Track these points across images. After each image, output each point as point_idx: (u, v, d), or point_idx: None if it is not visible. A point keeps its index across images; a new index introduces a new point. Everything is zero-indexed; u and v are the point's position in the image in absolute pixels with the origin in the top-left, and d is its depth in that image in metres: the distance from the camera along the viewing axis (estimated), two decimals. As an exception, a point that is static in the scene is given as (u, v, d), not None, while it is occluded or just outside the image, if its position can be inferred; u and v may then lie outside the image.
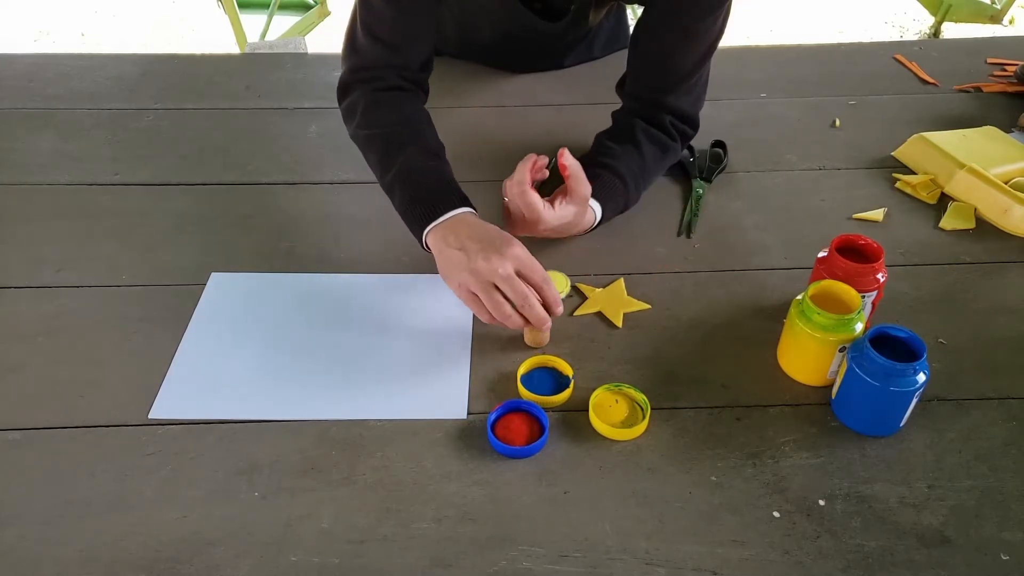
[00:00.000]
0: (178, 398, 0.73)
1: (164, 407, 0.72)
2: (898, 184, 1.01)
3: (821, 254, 0.77)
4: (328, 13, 2.98)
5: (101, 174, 1.03)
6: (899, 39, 3.27)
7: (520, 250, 0.74)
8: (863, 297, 0.72)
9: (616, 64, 1.00)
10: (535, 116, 1.15)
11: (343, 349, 0.78)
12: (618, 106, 0.97)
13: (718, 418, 0.72)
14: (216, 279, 0.86)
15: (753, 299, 0.84)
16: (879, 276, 0.75)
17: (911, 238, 0.93)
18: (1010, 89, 1.21)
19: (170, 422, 0.71)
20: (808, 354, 0.72)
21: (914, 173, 1.03)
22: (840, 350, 0.70)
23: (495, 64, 1.25)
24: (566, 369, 0.75)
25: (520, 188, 0.79)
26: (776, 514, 0.64)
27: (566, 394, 0.73)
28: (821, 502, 0.65)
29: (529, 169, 0.80)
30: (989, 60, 1.29)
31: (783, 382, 0.75)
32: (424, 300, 0.84)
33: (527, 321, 0.74)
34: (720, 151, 1.05)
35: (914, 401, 0.67)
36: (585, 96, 1.18)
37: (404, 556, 0.61)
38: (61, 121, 1.14)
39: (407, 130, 0.87)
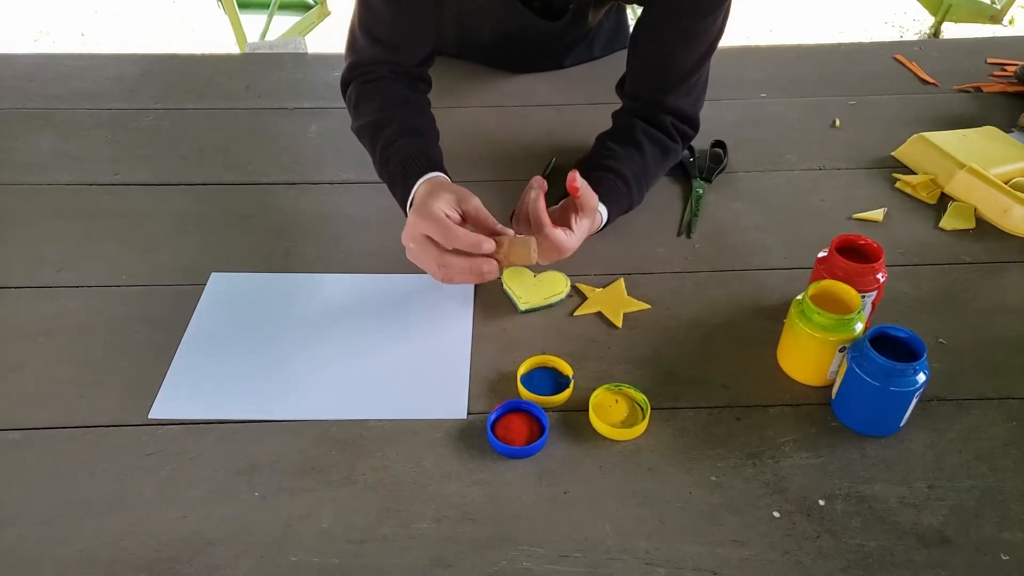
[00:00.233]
0: (178, 398, 0.73)
1: (164, 407, 0.72)
2: (898, 184, 1.01)
3: (821, 254, 0.77)
4: (328, 13, 2.98)
5: (101, 174, 1.03)
6: (899, 39, 3.27)
7: (429, 216, 0.74)
8: (863, 297, 0.72)
9: (616, 64, 1.00)
10: (535, 116, 1.15)
11: (343, 349, 0.78)
12: (618, 106, 0.97)
13: (718, 418, 0.72)
14: (216, 279, 0.86)
15: (753, 299, 0.84)
16: (879, 276, 0.75)
17: (911, 238, 0.93)
18: (1010, 89, 1.21)
19: (170, 422, 0.71)
20: (808, 354, 0.72)
21: (914, 173, 1.03)
22: (840, 350, 0.70)
23: (495, 64, 1.25)
24: (566, 369, 0.75)
25: (543, 231, 0.77)
26: (776, 514, 0.64)
27: (566, 394, 0.73)
28: (821, 502, 0.65)
29: (542, 207, 0.77)
30: (989, 60, 1.29)
31: (783, 382, 0.75)
32: (424, 300, 0.84)
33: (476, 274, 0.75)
34: (720, 151, 1.05)
35: (914, 401, 0.67)
36: (585, 96, 1.18)
37: (404, 556, 0.61)
38: (61, 121, 1.14)
39: (385, 115, 0.89)
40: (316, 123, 1.13)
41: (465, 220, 0.78)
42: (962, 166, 0.98)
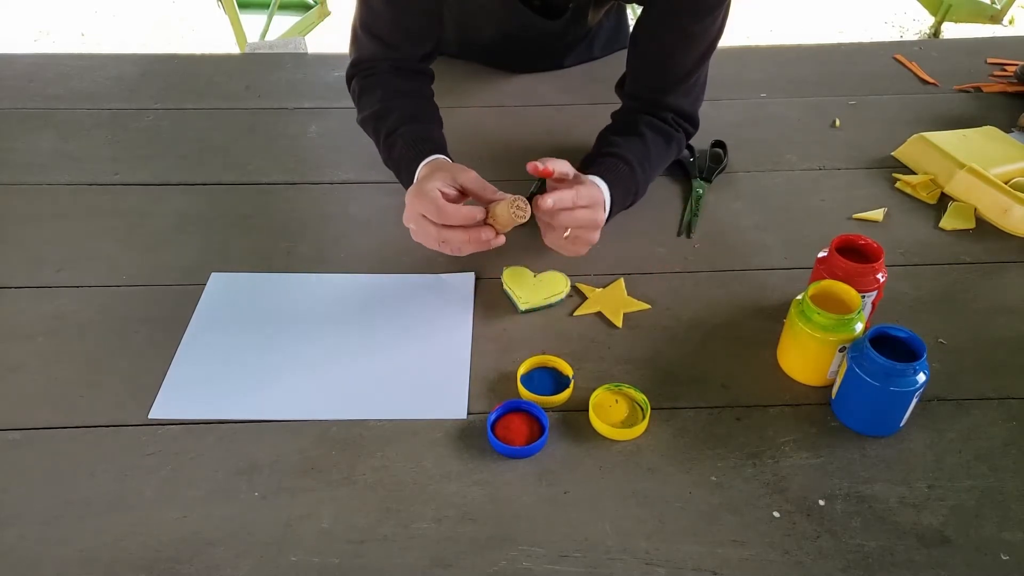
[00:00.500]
0: (178, 398, 0.73)
1: (164, 407, 0.72)
2: (898, 184, 1.01)
3: (821, 254, 0.77)
4: (328, 13, 2.98)
5: (101, 174, 1.03)
6: (899, 39, 3.27)
7: (422, 196, 0.75)
8: (863, 297, 0.72)
9: (616, 64, 1.00)
10: (535, 116, 1.15)
11: (343, 349, 0.78)
12: (618, 106, 0.97)
13: (718, 418, 0.72)
14: (216, 279, 0.86)
15: (753, 299, 0.84)
16: (879, 276, 0.75)
17: (911, 238, 0.93)
18: (1010, 89, 1.21)
19: (170, 422, 0.71)
20: (808, 354, 0.72)
21: (914, 173, 1.03)
22: (840, 350, 0.70)
23: (495, 64, 1.25)
24: (566, 369, 0.75)
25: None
26: (776, 514, 0.64)
27: (566, 394, 0.73)
28: (821, 502, 0.65)
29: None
30: (989, 60, 1.29)
31: (783, 382, 0.75)
32: (424, 300, 0.84)
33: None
34: (720, 151, 1.05)
35: (914, 401, 0.67)
36: (585, 96, 1.18)
37: (404, 556, 0.61)
38: (61, 121, 1.14)
39: (387, 105, 0.90)
40: (316, 123, 1.13)
41: (465, 195, 0.78)
42: (962, 166, 0.98)
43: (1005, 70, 1.25)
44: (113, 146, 1.08)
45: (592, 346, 0.79)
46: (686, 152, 1.02)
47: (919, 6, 3.17)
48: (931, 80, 1.23)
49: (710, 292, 0.85)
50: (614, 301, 0.83)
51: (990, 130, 1.07)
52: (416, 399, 0.73)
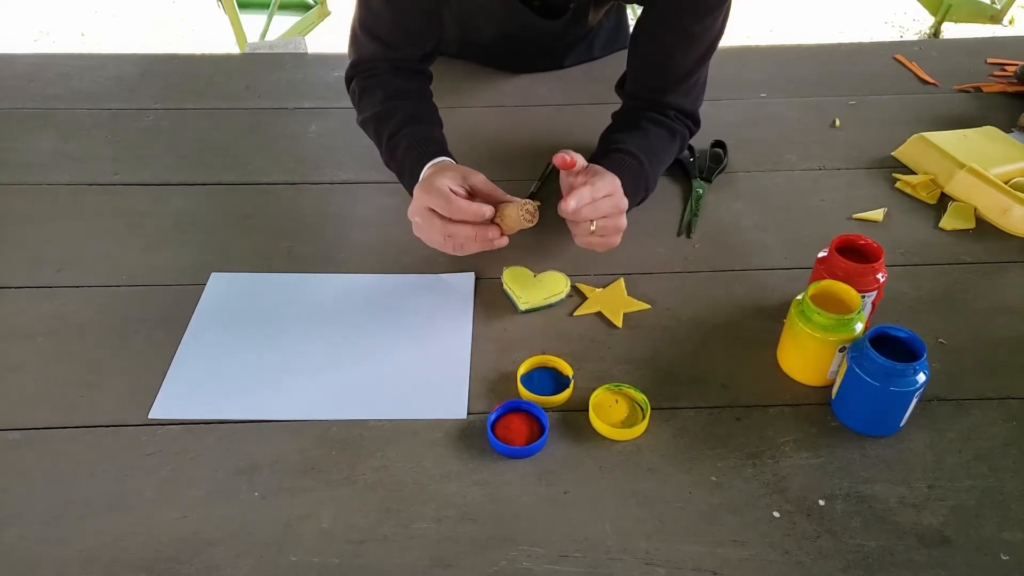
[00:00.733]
0: (178, 398, 0.73)
1: (164, 407, 0.72)
2: (898, 184, 1.01)
3: (821, 254, 0.77)
4: (328, 13, 2.98)
5: (101, 174, 1.03)
6: (899, 39, 3.27)
7: (432, 190, 0.75)
8: (863, 297, 0.72)
9: (616, 64, 1.00)
10: (535, 116, 1.15)
11: (343, 349, 0.78)
12: (618, 106, 0.97)
13: (718, 418, 0.72)
14: (216, 279, 0.86)
15: (753, 299, 0.84)
16: (879, 276, 0.75)
17: (911, 238, 0.93)
18: (1010, 89, 1.21)
19: (170, 422, 0.71)
20: (808, 354, 0.72)
21: (914, 173, 1.03)
22: (840, 350, 0.70)
23: (495, 64, 1.25)
24: (566, 369, 0.75)
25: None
26: (776, 514, 0.64)
27: (566, 394, 0.73)
28: (821, 502, 0.65)
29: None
30: (989, 60, 1.29)
31: (783, 382, 0.75)
32: (424, 300, 0.84)
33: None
34: (720, 151, 1.05)
35: (914, 401, 0.67)
36: (585, 96, 1.18)
37: (404, 556, 0.61)
38: (61, 121, 1.14)
39: (389, 106, 0.90)
40: (316, 123, 1.13)
41: (473, 196, 0.79)
42: (962, 166, 0.98)
43: (1005, 70, 1.25)
44: (113, 146, 1.08)
45: (592, 346, 0.79)
46: (686, 152, 1.02)
47: (919, 6, 3.17)
48: (931, 80, 1.23)
49: (710, 292, 0.85)
50: (614, 301, 0.83)
51: (990, 130, 1.07)
52: (416, 399, 0.73)
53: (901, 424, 0.69)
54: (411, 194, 0.83)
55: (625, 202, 0.79)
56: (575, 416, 0.72)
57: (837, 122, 1.14)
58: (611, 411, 0.72)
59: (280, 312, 0.82)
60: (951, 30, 3.18)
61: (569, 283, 0.85)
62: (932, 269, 0.88)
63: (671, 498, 0.65)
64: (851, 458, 0.68)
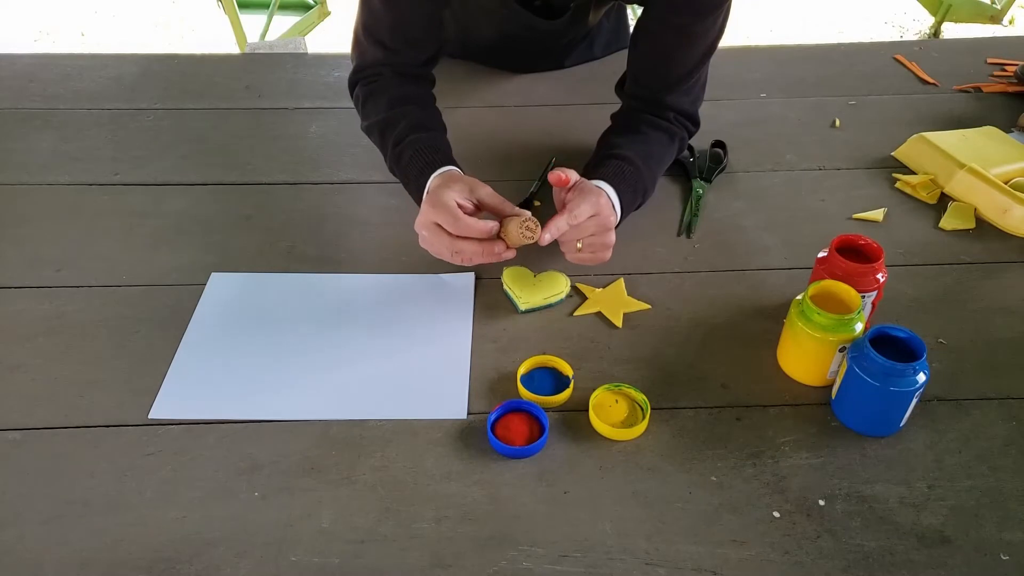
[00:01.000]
0: (178, 398, 0.73)
1: (164, 407, 0.72)
2: (898, 184, 1.01)
3: (821, 254, 0.77)
4: (328, 13, 2.98)
5: (101, 174, 1.03)
6: (899, 39, 3.27)
7: (439, 205, 0.76)
8: (863, 297, 0.72)
9: (616, 64, 1.00)
10: (535, 116, 1.15)
11: (343, 349, 0.78)
12: (618, 107, 0.97)
13: (718, 418, 0.72)
14: (216, 279, 0.86)
15: (753, 299, 0.84)
16: (879, 276, 0.75)
17: (911, 238, 0.93)
18: (1010, 89, 1.21)
19: (170, 422, 0.71)
20: (808, 354, 0.72)
21: (914, 173, 1.03)
22: (840, 350, 0.70)
23: (495, 64, 1.25)
24: (566, 369, 0.75)
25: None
26: (776, 514, 0.64)
27: (566, 394, 0.73)
28: (821, 502, 0.65)
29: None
30: (989, 60, 1.29)
31: (783, 382, 0.75)
32: (424, 300, 0.84)
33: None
34: (720, 151, 1.05)
35: (914, 401, 0.67)
36: (585, 96, 1.18)
37: (404, 556, 0.61)
38: (61, 121, 1.14)
39: (394, 113, 0.90)
40: (316, 123, 1.13)
41: (480, 208, 0.79)
42: (962, 166, 0.98)
43: (1005, 70, 1.25)
44: (113, 146, 1.08)
45: (592, 346, 0.79)
46: (686, 152, 1.02)
47: (919, 6, 3.17)
48: (931, 80, 1.23)
49: (710, 292, 0.85)
50: (614, 301, 0.83)
51: (990, 130, 1.07)
52: (416, 399, 0.73)
53: (901, 424, 0.69)
54: (416, 202, 0.84)
55: (612, 220, 0.80)
56: (575, 416, 0.72)
57: (837, 122, 1.14)
58: (611, 411, 0.72)
59: (280, 312, 0.82)
60: (951, 30, 3.18)
61: (569, 283, 0.85)
62: (932, 269, 0.88)
63: (671, 498, 0.65)
64: (851, 458, 0.68)
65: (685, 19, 0.86)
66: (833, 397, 0.72)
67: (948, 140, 1.03)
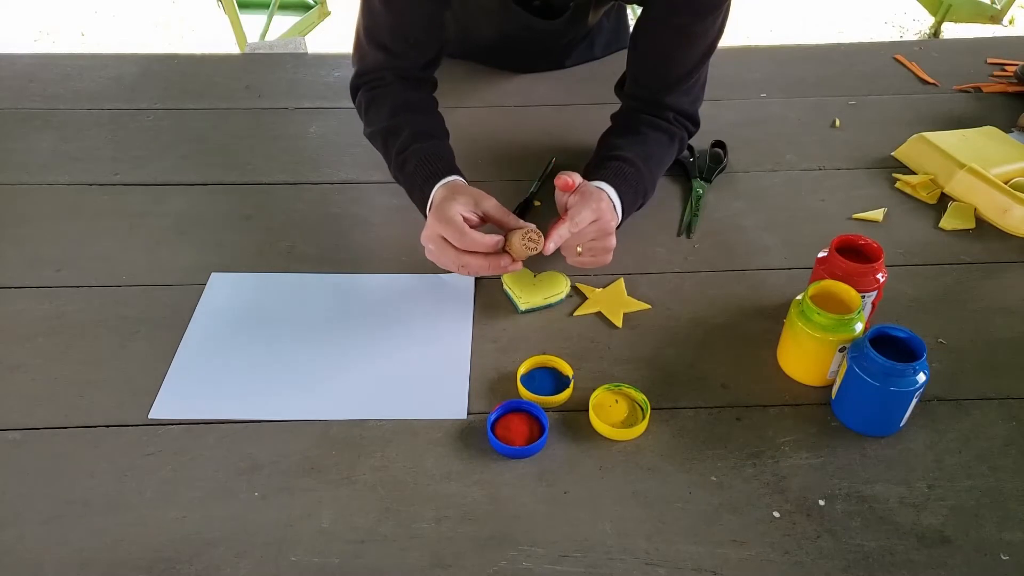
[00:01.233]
0: (178, 398, 0.73)
1: (164, 407, 0.72)
2: (898, 184, 1.01)
3: (821, 254, 0.77)
4: (328, 13, 2.98)
5: (101, 174, 1.03)
6: (899, 39, 3.27)
7: (445, 220, 0.76)
8: (863, 297, 0.72)
9: (616, 64, 1.00)
10: (535, 116, 1.15)
11: (343, 349, 0.78)
12: (617, 107, 0.97)
13: (718, 418, 0.72)
14: (216, 279, 0.86)
15: (753, 299, 0.84)
16: (879, 276, 0.75)
17: (911, 238, 0.93)
18: (1010, 89, 1.21)
19: (170, 422, 0.71)
20: (808, 354, 0.72)
21: (914, 173, 1.03)
22: (840, 350, 0.70)
23: (496, 64, 1.25)
24: (566, 369, 0.75)
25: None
26: (776, 514, 0.64)
27: (566, 394, 0.73)
28: (821, 502, 0.65)
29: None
30: (989, 60, 1.29)
31: (783, 382, 0.75)
32: (424, 300, 0.84)
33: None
34: (720, 151, 1.05)
35: (914, 401, 0.67)
36: (585, 96, 1.18)
37: (404, 556, 0.61)
38: (61, 121, 1.14)
39: (397, 120, 0.90)
40: (316, 123, 1.13)
41: (484, 220, 0.79)
42: (962, 166, 0.98)
43: (1005, 70, 1.25)
44: (113, 146, 1.08)
45: (592, 346, 0.79)
46: (686, 152, 1.02)
47: (919, 6, 3.17)
48: (931, 80, 1.23)
49: (710, 292, 0.85)
50: (614, 301, 0.83)
51: (990, 130, 1.07)
52: (416, 399, 0.73)
53: (901, 424, 0.69)
54: (420, 210, 0.85)
55: (612, 224, 0.80)
56: (575, 416, 0.72)
57: (837, 122, 1.14)
58: (611, 411, 0.72)
59: (280, 312, 0.82)
60: (951, 30, 3.18)
61: (569, 283, 0.85)
62: (932, 269, 0.88)
63: (671, 498, 0.65)
64: (851, 458, 0.68)
65: (685, 19, 0.86)
66: (833, 397, 0.72)
67: (948, 140, 1.03)
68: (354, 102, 0.97)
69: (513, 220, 0.79)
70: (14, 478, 0.66)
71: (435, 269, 0.86)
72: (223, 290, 0.85)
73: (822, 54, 1.33)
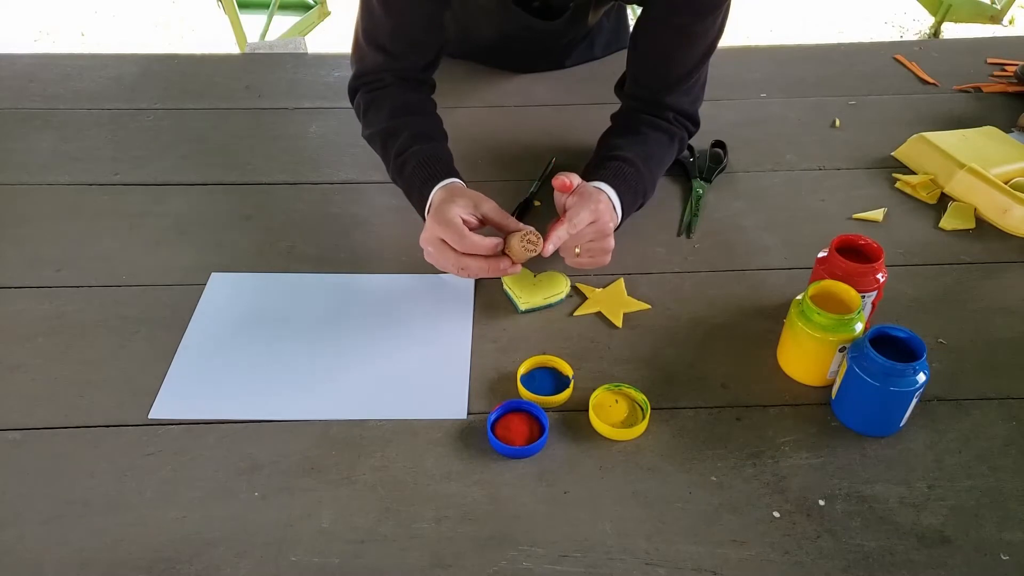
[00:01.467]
0: (178, 398, 0.73)
1: (164, 407, 0.72)
2: (898, 184, 1.01)
3: (821, 254, 0.77)
4: (328, 13, 2.98)
5: (101, 174, 1.03)
6: (899, 39, 3.27)
7: (444, 222, 0.76)
8: (863, 297, 0.72)
9: (616, 64, 1.00)
10: (535, 116, 1.15)
11: (343, 349, 0.78)
12: (617, 107, 0.97)
13: (718, 418, 0.72)
14: (216, 279, 0.86)
15: (753, 299, 0.84)
16: (879, 276, 0.75)
17: (911, 238, 0.93)
18: (1010, 89, 1.21)
19: (170, 422, 0.71)
20: (808, 354, 0.72)
21: (914, 173, 1.03)
22: (840, 350, 0.70)
23: (495, 65, 1.25)
24: (566, 369, 0.75)
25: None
26: (776, 514, 0.64)
27: (566, 394, 0.73)
28: (821, 502, 0.65)
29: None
30: (989, 60, 1.29)
31: (783, 382, 0.75)
32: (424, 300, 0.84)
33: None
34: (720, 151, 1.05)
35: (914, 401, 0.67)
36: (585, 96, 1.18)
37: (404, 556, 0.61)
38: (61, 121, 1.14)
39: (396, 123, 0.90)
40: (316, 123, 1.13)
41: (483, 223, 0.79)
42: (962, 166, 0.98)
43: (1005, 70, 1.25)
44: (113, 146, 1.08)
45: (592, 346, 0.79)
46: (686, 152, 1.02)
47: (919, 6, 3.17)
48: (931, 80, 1.23)
49: (710, 292, 0.85)
50: (614, 301, 0.83)
51: (990, 130, 1.07)
52: (416, 399, 0.73)
53: (901, 424, 0.69)
54: (419, 212, 0.85)
55: (610, 225, 0.80)
56: (575, 416, 0.72)
57: (837, 122, 1.14)
58: (611, 411, 0.72)
59: (280, 312, 0.82)
60: (951, 30, 3.18)
61: (569, 283, 0.85)
62: (932, 269, 0.88)
63: (671, 498, 0.65)
64: (851, 458, 0.68)
65: (685, 19, 0.86)
66: (833, 397, 0.72)
67: (948, 140, 1.03)
68: (352, 104, 0.97)
69: (512, 222, 0.79)
70: (14, 478, 0.66)
71: (435, 269, 0.86)
72: (223, 290, 0.85)
73: (822, 54, 1.33)
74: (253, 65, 1.28)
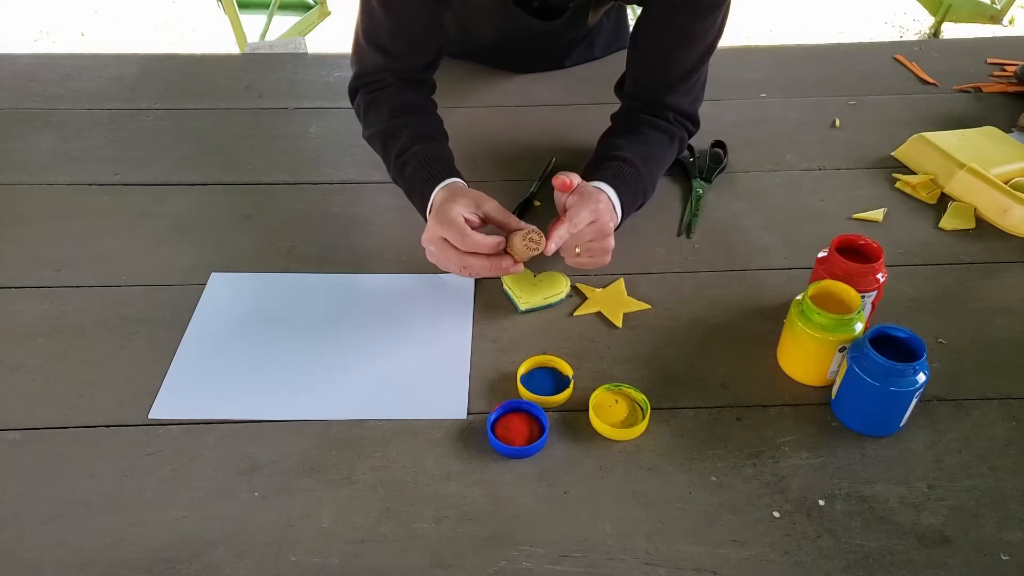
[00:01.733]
0: (178, 398, 0.73)
1: (164, 407, 0.72)
2: (898, 184, 1.01)
3: (821, 254, 0.77)
4: (328, 13, 2.98)
5: (101, 174, 1.03)
6: (899, 39, 3.27)
7: (446, 221, 0.76)
8: (863, 297, 0.72)
9: (616, 64, 1.00)
10: (535, 116, 1.15)
11: (343, 349, 0.78)
12: (617, 107, 0.97)
13: (718, 418, 0.72)
14: (216, 279, 0.86)
15: (753, 299, 0.84)
16: (879, 276, 0.75)
17: (911, 238, 0.93)
18: (1010, 89, 1.21)
19: (170, 422, 0.71)
20: (808, 354, 0.72)
21: (914, 173, 1.03)
22: (840, 350, 0.70)
23: (495, 65, 1.25)
24: (566, 369, 0.75)
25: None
26: (776, 514, 0.64)
27: (566, 394, 0.73)
28: (821, 502, 0.65)
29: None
30: (989, 60, 1.29)
31: (783, 382, 0.75)
32: (424, 300, 0.84)
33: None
34: (720, 151, 1.05)
35: (914, 401, 0.67)
36: (585, 96, 1.18)
37: (404, 556, 0.61)
38: (61, 121, 1.14)
39: (396, 123, 0.90)
40: (316, 123, 1.13)
41: (485, 222, 0.79)
42: (962, 166, 0.98)
43: (1005, 70, 1.25)
44: (113, 146, 1.08)
45: (592, 346, 0.79)
46: (686, 152, 1.02)
47: (919, 6, 3.17)
48: (931, 80, 1.23)
49: (710, 292, 0.85)
50: (614, 301, 0.83)
51: (990, 130, 1.07)
52: (416, 399, 0.73)
53: (901, 424, 0.69)
54: (420, 213, 0.85)
55: (610, 225, 0.80)
56: (575, 416, 0.72)
57: (837, 122, 1.14)
58: (611, 411, 0.72)
59: (280, 312, 0.82)
60: (951, 30, 3.18)
61: (569, 283, 0.85)
62: (932, 269, 0.88)
63: (671, 498, 0.65)
64: (851, 458, 0.68)
65: (685, 19, 0.86)
66: (833, 397, 0.72)
67: (948, 140, 1.03)
68: (352, 104, 0.97)
69: (514, 221, 0.79)
70: (14, 478, 0.66)
71: (435, 269, 0.86)
72: (223, 290, 0.85)
73: (822, 54, 1.33)
74: (253, 65, 1.28)
